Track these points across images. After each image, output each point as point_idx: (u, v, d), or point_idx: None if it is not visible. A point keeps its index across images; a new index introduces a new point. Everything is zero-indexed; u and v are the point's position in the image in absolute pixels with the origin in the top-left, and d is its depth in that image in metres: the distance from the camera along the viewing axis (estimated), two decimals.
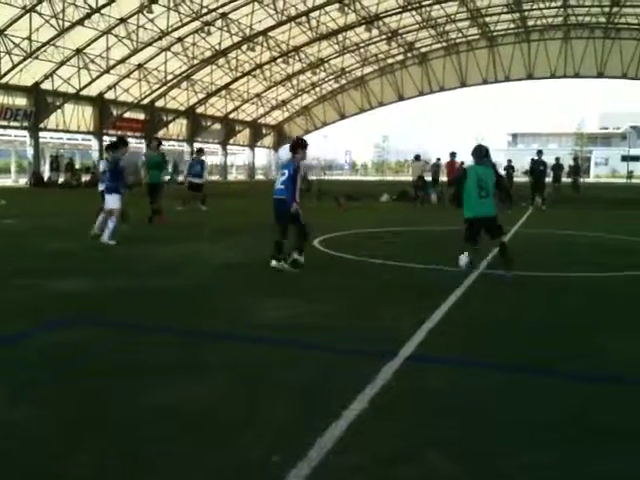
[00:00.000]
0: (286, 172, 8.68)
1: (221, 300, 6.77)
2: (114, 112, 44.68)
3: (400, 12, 43.34)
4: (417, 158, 25.35)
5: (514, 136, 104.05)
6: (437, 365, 4.69)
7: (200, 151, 20.73)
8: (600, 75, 52.24)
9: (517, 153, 68.71)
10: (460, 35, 52.04)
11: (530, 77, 54.52)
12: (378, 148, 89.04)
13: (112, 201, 11.22)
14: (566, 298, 7.12)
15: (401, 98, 59.59)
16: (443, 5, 43.15)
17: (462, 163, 25.80)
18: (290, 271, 8.37)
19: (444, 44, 53.82)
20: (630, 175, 69.94)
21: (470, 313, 6.30)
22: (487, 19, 48.40)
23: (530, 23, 50.05)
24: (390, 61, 56.77)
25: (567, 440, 3.41)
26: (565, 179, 30.99)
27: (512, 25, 50.27)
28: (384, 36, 48.33)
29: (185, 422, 3.59)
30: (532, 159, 24.77)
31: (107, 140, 43.67)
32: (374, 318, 6.02)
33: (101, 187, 12.40)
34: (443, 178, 25.85)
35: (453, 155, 24.95)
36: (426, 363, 4.70)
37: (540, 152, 22.53)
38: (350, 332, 5.50)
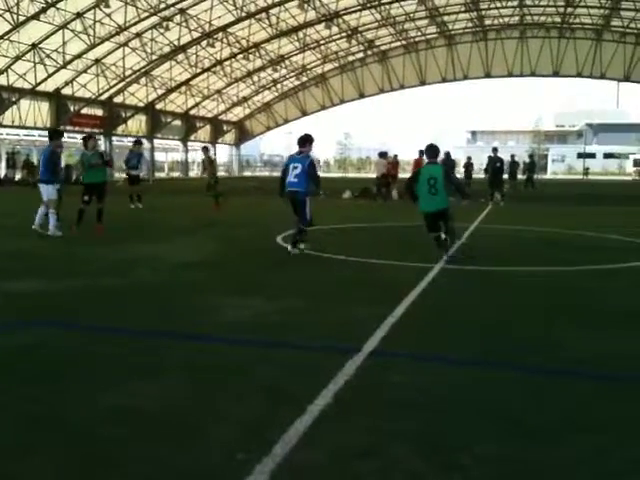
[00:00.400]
0: (299, 166, 9.60)
1: (180, 300, 6.69)
2: (72, 108, 43.85)
3: (359, 10, 43.51)
4: (381, 155, 25.58)
5: (473, 134, 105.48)
6: (400, 359, 4.73)
7: (138, 143, 20.07)
8: (556, 74, 53.25)
9: (476, 150, 69.49)
10: (419, 34, 52.45)
11: (488, 76, 55.26)
12: (340, 145, 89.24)
13: (48, 192, 11.51)
14: (525, 292, 7.26)
15: (362, 95, 59.80)
16: (402, 3, 43.42)
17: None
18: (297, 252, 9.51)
19: (404, 42, 54.17)
20: (586, 172, 71.52)
21: (433, 308, 6.38)
22: (445, 18, 48.88)
23: (487, 22, 50.72)
24: (350, 58, 56.91)
25: (525, 432, 3.49)
26: (521, 176, 31.55)
27: (470, 24, 50.89)
28: (344, 34, 48.45)
29: (144, 423, 3.55)
30: (489, 156, 25.16)
31: (65, 136, 43.00)
32: (338, 314, 6.05)
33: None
34: (402, 175, 26.06)
35: (422, 153, 25.20)
36: (389, 358, 4.74)
37: (495, 149, 22.93)
38: (313, 328, 5.52)
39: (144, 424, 3.53)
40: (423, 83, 57.26)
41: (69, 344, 5.06)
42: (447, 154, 26.31)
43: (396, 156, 28.01)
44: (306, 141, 9.87)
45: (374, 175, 27.27)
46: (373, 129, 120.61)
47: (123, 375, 4.32)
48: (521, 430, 3.50)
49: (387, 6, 43.75)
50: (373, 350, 4.79)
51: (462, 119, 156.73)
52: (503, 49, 52.67)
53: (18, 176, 37.70)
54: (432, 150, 9.45)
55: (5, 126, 39.88)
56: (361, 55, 56.30)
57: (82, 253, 10.10)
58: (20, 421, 3.53)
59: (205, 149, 20.08)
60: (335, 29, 46.14)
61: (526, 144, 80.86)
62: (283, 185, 9.86)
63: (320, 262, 9.25)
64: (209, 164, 19.29)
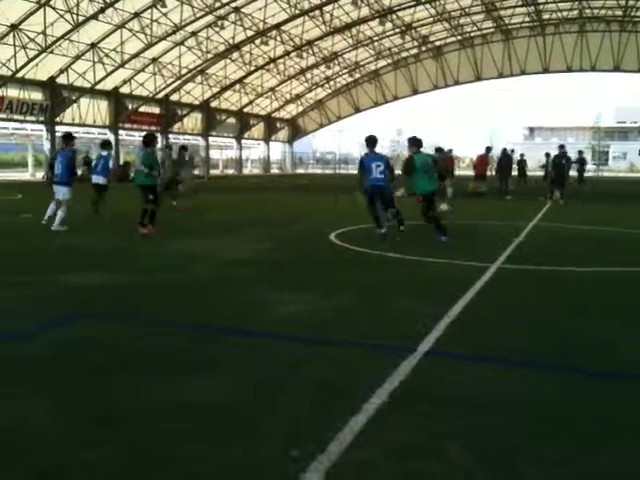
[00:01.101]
0: (381, 164, 11.03)
1: (234, 295, 6.73)
2: (129, 106, 44.82)
3: (414, 5, 43.10)
4: (438, 151, 25.24)
5: (531, 130, 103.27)
6: (455, 360, 4.64)
7: (106, 144, 16.14)
8: (617, 69, 51.67)
9: (534, 147, 68.03)
10: (475, 28, 51.65)
11: (546, 71, 54.03)
12: (393, 142, 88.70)
13: (64, 192, 12.35)
14: (582, 293, 7.04)
15: (415, 92, 59.29)
16: None
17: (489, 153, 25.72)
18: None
19: (459, 37, 53.47)
20: None
21: (489, 308, 6.24)
22: (502, 12, 48.00)
23: (545, 16, 49.58)
24: (404, 55, 56.48)
25: (580, 435, 3.39)
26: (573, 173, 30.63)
27: (527, 18, 49.82)
28: (398, 30, 48.09)
29: (199, 417, 3.57)
30: (546, 153, 24.68)
31: (123, 134, 43.95)
32: (392, 313, 5.98)
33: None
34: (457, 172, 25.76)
35: (488, 150, 25.12)
36: (444, 358, 4.65)
37: (562, 146, 22.30)
38: (368, 327, 5.46)
39: (199, 419, 3.54)
40: (479, 79, 56.38)
41: (125, 337, 5.13)
42: (504, 151, 25.91)
43: (451, 151, 27.51)
44: (375, 142, 11.28)
45: None
46: (426, 126, 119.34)
47: (178, 369, 4.36)
48: (573, 433, 3.41)
49: (442, 1, 43.22)
50: (428, 350, 4.71)
51: (519, 115, 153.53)
52: (562, 43, 51.38)
53: (78, 173, 38.66)
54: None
55: (65, 124, 40.98)
56: (415, 51, 55.80)
57: (137, 248, 10.29)
58: (76, 414, 3.59)
59: (183, 148, 18.70)
60: (389, 25, 45.84)
61: (586, 140, 78.77)
62: (362, 182, 11.20)
63: (374, 260, 9.18)
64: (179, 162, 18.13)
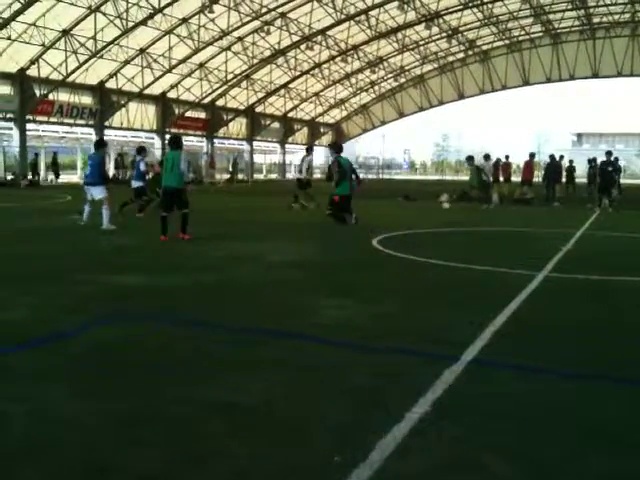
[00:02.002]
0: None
1: (276, 298, 6.76)
2: (176, 111, 45.50)
3: (461, 9, 42.73)
4: (485, 158, 25.05)
5: (579, 136, 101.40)
6: (500, 370, 4.55)
7: (140, 150, 16.30)
8: None
9: (583, 153, 66.73)
10: (523, 32, 50.93)
11: (596, 75, 52.89)
12: (438, 147, 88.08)
13: (99, 192, 13.00)
14: (633, 304, 6.85)
15: (462, 96, 58.74)
16: (505, 2, 42.30)
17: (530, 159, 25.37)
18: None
19: (506, 42, 52.78)
20: None
21: (535, 317, 6.11)
22: (551, 16, 47.22)
23: (595, 20, 48.56)
24: (450, 59, 56.03)
25: (627, 449, 3.28)
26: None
27: (577, 22, 48.89)
28: (444, 34, 47.73)
29: (241, 420, 3.58)
30: (589, 159, 24.24)
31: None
32: (436, 320, 5.91)
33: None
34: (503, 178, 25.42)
35: (532, 156, 24.85)
36: (489, 368, 4.57)
37: (609, 153, 21.79)
38: (411, 334, 5.40)
39: (240, 421, 3.55)
40: (526, 83, 55.54)
41: (170, 338, 5.19)
42: (551, 157, 25.47)
43: (507, 157, 26.99)
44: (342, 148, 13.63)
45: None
46: (473, 131, 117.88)
47: (220, 371, 4.39)
48: (622, 447, 3.30)
49: (490, 5, 42.75)
50: (473, 359, 4.63)
51: (567, 121, 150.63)
52: (612, 48, 50.21)
53: (126, 176, 39.32)
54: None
55: (114, 128, 41.87)
56: (461, 55, 55.30)
57: (182, 250, 10.41)
58: (122, 414, 3.63)
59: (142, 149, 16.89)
60: (435, 29, 45.53)
61: (636, 147, 76.90)
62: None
63: (417, 266, 9.10)
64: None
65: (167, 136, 43.67)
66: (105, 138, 40.31)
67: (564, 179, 26.16)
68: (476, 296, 7.04)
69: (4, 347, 4.86)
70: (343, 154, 13.76)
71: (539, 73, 53.95)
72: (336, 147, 13.87)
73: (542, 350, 5.00)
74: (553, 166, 24.27)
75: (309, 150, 21.14)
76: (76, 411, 3.65)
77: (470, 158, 23.04)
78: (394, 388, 4.08)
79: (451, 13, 43.25)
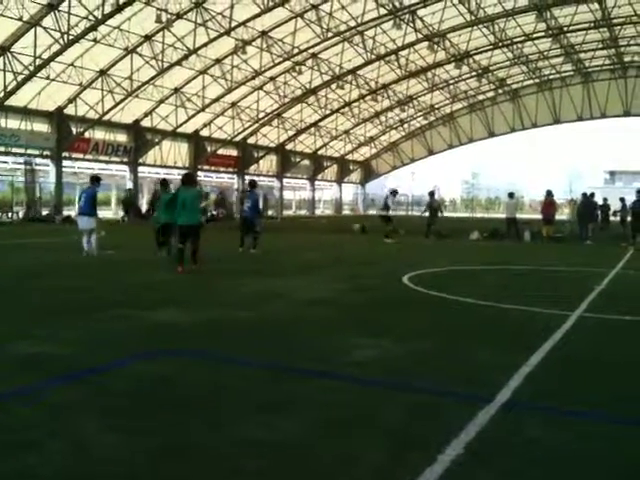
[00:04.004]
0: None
1: (307, 336, 6.76)
2: (208, 148, 46.24)
3: (491, 49, 43.01)
4: (510, 196, 25.13)
5: (612, 174, 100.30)
6: (535, 413, 4.48)
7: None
8: None
9: (615, 191, 65.93)
10: (553, 71, 51.02)
11: (627, 114, 52.57)
12: (467, 184, 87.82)
13: (90, 222, 14.54)
14: None
15: (492, 134, 58.80)
16: (536, 42, 42.52)
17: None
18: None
19: (537, 80, 52.91)
20: None
21: (570, 358, 6.00)
22: (582, 55, 47.27)
23: (627, 59, 48.48)
24: (480, 97, 56.26)
25: None
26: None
27: (608, 61, 48.86)
28: (474, 73, 48.04)
29: (272, 459, 3.57)
30: (620, 198, 24.02)
31: (201, 175, 45.22)
32: (468, 360, 5.85)
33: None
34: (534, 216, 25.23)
35: (549, 193, 24.60)
36: (523, 410, 4.50)
37: None
38: (443, 374, 5.36)
39: (271, 459, 3.55)
40: (557, 121, 55.45)
41: (202, 375, 5.22)
42: (584, 195, 25.24)
43: (550, 194, 26.10)
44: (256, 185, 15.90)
45: (503, 216, 26.60)
46: (503, 168, 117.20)
47: (252, 408, 4.40)
48: None
49: (520, 45, 42.98)
50: (507, 401, 4.57)
51: (599, 159, 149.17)
52: None
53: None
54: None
55: (148, 165, 42.66)
56: (492, 94, 55.53)
57: (214, 286, 10.50)
58: (155, 450, 3.65)
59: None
60: (465, 69, 45.85)
61: None
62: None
63: (448, 305, 9.03)
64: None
65: (199, 173, 44.63)
66: (139, 175, 41.29)
67: (599, 217, 25.81)
68: (509, 336, 6.96)
69: (42, 380, 4.94)
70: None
71: (570, 111, 53.85)
72: (164, 182, 15.75)
73: (577, 393, 4.92)
74: (587, 204, 24.04)
75: (394, 193, 23.91)
76: (110, 445, 3.68)
77: (511, 194, 25.25)
78: (427, 429, 4.05)
79: (481, 53, 43.55)
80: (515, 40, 41.66)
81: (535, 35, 40.37)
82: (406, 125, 59.33)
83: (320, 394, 4.75)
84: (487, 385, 4.93)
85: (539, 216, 24.89)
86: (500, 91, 54.74)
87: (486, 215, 63.31)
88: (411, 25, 36.79)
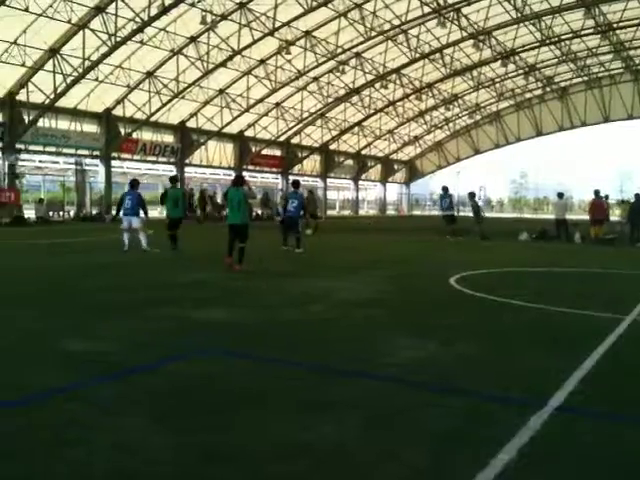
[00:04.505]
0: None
1: (352, 337, 6.71)
2: (253, 149, 46.56)
3: (538, 47, 42.24)
4: (560, 196, 24.65)
5: None
6: (589, 417, 4.34)
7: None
8: None
9: None
10: (602, 69, 49.86)
11: None
12: (515, 184, 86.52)
13: (138, 221, 15.84)
14: None
15: (540, 133, 57.81)
16: (584, 39, 41.62)
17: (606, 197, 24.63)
18: None
19: (585, 78, 51.79)
20: None
21: (624, 362, 5.82)
22: (631, 52, 46.07)
23: None
24: (527, 96, 55.36)
25: None
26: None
27: None
28: (521, 71, 47.24)
29: (314, 461, 3.53)
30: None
31: (246, 175, 45.45)
32: (519, 364, 5.70)
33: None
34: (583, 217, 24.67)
35: (596, 193, 23.95)
36: (578, 415, 4.37)
37: None
38: (493, 377, 5.24)
39: (313, 461, 3.50)
40: (606, 120, 54.16)
41: (245, 374, 5.21)
42: (636, 196, 24.54)
43: (602, 196, 25.56)
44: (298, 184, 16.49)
45: (552, 216, 26.09)
46: (551, 168, 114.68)
47: (296, 409, 4.37)
48: None
49: (567, 42, 42.11)
50: (560, 405, 4.44)
51: None
52: None
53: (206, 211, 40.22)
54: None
55: (194, 165, 43.19)
56: (539, 92, 54.57)
57: (257, 286, 10.52)
58: (197, 450, 3.64)
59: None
60: (511, 66, 45.15)
61: None
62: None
63: (497, 307, 8.86)
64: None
65: (244, 173, 44.95)
66: (186, 175, 41.81)
67: None
68: (560, 339, 6.78)
69: (90, 378, 5.00)
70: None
71: (620, 109, 52.56)
72: (173, 178, 16.70)
73: (630, 398, 4.75)
74: (638, 205, 23.35)
75: (446, 190, 24.86)
76: (156, 444, 3.69)
77: (560, 195, 24.81)
78: (477, 432, 3.95)
79: (528, 50, 42.83)
80: (562, 37, 40.84)
81: (583, 32, 39.52)
82: (451, 124, 58.75)
83: (365, 396, 4.69)
84: (539, 389, 4.80)
85: (588, 217, 24.27)
86: (548, 89, 53.75)
87: (534, 216, 62.22)
88: (456, 23, 36.40)
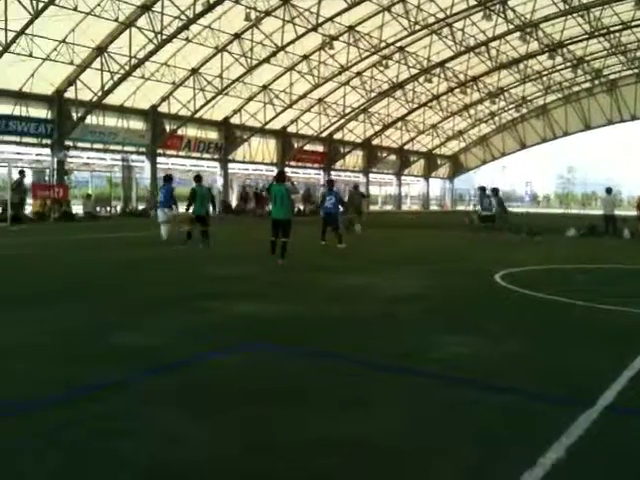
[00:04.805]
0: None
1: (396, 332, 6.67)
2: (295, 144, 46.66)
3: (586, 39, 41.26)
4: (609, 191, 24.12)
5: None
6: (638, 417, 4.24)
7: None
8: None
9: None
10: None
11: None
12: (562, 179, 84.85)
13: (168, 214, 17.02)
14: None
15: (588, 127, 56.50)
16: (634, 30, 40.49)
17: None
18: None
19: (635, 70, 50.37)
20: None
21: None
22: None
23: None
24: (576, 89, 54.13)
25: None
26: None
27: None
28: (569, 63, 46.22)
29: (356, 455, 3.52)
30: None
31: (288, 171, 45.67)
32: (566, 362, 5.60)
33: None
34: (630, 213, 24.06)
35: None
36: (628, 415, 4.26)
37: None
38: (539, 375, 5.15)
39: (358, 457, 3.50)
40: None
41: (288, 368, 5.23)
42: None
43: None
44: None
45: (601, 212, 25.50)
46: (599, 163, 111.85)
47: (335, 404, 4.37)
48: None
49: (617, 34, 41.03)
50: (609, 404, 4.35)
51: None
52: None
53: (249, 207, 40.61)
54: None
55: (237, 161, 43.50)
56: (587, 85, 53.32)
57: (299, 280, 10.55)
58: (239, 443, 3.67)
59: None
60: (559, 59, 44.21)
61: None
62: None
63: (543, 304, 8.70)
64: None
65: (287, 169, 45.15)
66: (228, 171, 42.17)
67: None
68: (609, 338, 6.62)
69: (134, 371, 5.08)
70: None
71: None
72: (198, 177, 17.01)
73: None
74: None
75: (493, 190, 24.91)
76: (198, 437, 3.73)
77: (609, 190, 24.44)
78: (525, 431, 3.90)
79: (576, 42, 41.88)
80: (612, 29, 39.80)
81: (634, 23, 38.45)
82: (497, 118, 57.87)
83: (407, 392, 4.66)
84: (588, 388, 4.71)
85: (636, 213, 23.63)
86: (597, 82, 52.48)
87: (582, 211, 60.95)
88: (502, 15, 35.79)
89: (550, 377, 5.09)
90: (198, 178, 17.02)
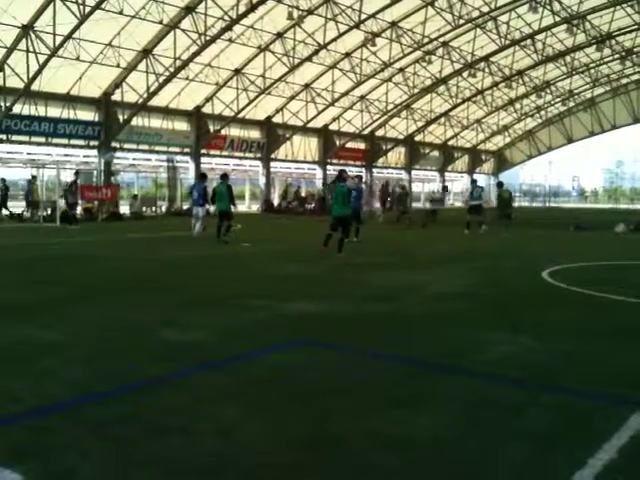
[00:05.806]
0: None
1: (444, 330, 6.63)
2: (337, 142, 46.64)
3: (635, 29, 40.19)
4: None
5: None
6: None
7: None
8: None
9: None
10: None
11: None
12: (610, 173, 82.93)
13: (202, 211, 18.15)
14: None
15: (637, 120, 55.02)
16: None
17: None
18: None
19: None
20: None
21: None
22: None
23: None
24: (624, 81, 52.77)
25: None
26: None
27: None
28: (617, 55, 45.08)
29: (403, 454, 3.52)
30: None
31: (330, 169, 45.78)
32: (616, 361, 5.49)
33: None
34: None
35: None
36: None
37: None
38: (590, 375, 5.06)
39: (407, 456, 3.49)
40: None
41: (336, 367, 5.24)
42: None
43: None
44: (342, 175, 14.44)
45: None
46: None
47: (383, 402, 4.37)
48: None
49: None
50: None
51: None
52: None
53: (290, 205, 40.83)
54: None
55: (279, 160, 43.72)
56: (636, 77, 51.94)
57: (347, 277, 10.55)
58: (292, 439, 3.70)
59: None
60: (607, 51, 43.17)
61: None
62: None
63: (593, 302, 8.53)
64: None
65: (328, 167, 45.15)
66: (271, 169, 42.44)
67: None
68: None
69: (187, 367, 5.16)
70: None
71: None
72: (224, 176, 17.99)
73: None
74: None
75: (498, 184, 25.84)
76: (252, 433, 3.79)
77: None
78: (575, 431, 3.84)
79: (624, 34, 40.83)
80: None
81: None
82: (543, 112, 56.80)
83: (456, 391, 4.63)
84: (638, 388, 4.59)
85: None
86: None
87: (631, 206, 59.44)
88: (548, 8, 35.11)
89: (600, 376, 5.00)
90: (224, 176, 17.86)
